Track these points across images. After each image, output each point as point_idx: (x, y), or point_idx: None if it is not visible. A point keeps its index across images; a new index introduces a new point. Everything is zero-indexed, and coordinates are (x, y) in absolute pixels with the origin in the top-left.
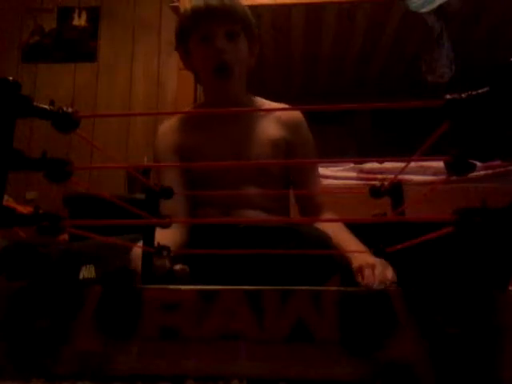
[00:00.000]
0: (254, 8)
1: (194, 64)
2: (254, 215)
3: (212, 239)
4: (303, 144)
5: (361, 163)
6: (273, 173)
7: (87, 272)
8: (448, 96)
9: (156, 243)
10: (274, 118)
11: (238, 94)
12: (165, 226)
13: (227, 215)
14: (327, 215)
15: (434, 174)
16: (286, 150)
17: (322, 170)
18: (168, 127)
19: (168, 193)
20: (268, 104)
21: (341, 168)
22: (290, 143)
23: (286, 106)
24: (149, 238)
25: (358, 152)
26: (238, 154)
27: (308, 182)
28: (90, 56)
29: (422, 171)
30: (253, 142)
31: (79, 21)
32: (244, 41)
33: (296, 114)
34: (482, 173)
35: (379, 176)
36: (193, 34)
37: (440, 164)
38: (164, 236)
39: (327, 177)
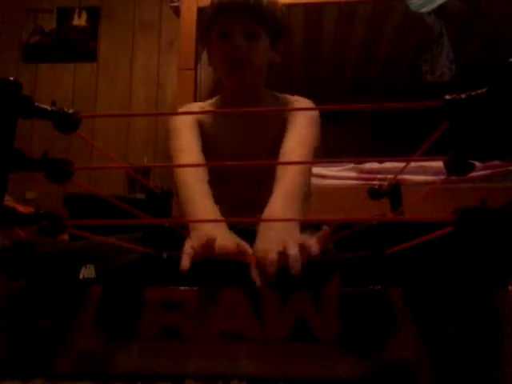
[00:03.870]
0: None
1: (213, 57)
2: (254, 214)
3: None
4: (297, 112)
5: (361, 163)
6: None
7: (87, 272)
8: (447, 96)
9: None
10: (285, 113)
11: (255, 89)
12: (165, 227)
13: (228, 214)
14: (290, 171)
15: (434, 174)
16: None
17: (322, 170)
18: (189, 107)
19: (168, 194)
20: (285, 98)
21: (341, 168)
22: (286, 121)
23: (307, 101)
24: (149, 238)
25: (357, 152)
26: (248, 148)
27: (292, 132)
28: (90, 56)
29: (422, 171)
30: (263, 139)
31: (79, 21)
32: (265, 39)
33: (304, 100)
34: (482, 173)
35: (379, 176)
36: (214, 28)
37: (440, 164)
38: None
39: (327, 177)
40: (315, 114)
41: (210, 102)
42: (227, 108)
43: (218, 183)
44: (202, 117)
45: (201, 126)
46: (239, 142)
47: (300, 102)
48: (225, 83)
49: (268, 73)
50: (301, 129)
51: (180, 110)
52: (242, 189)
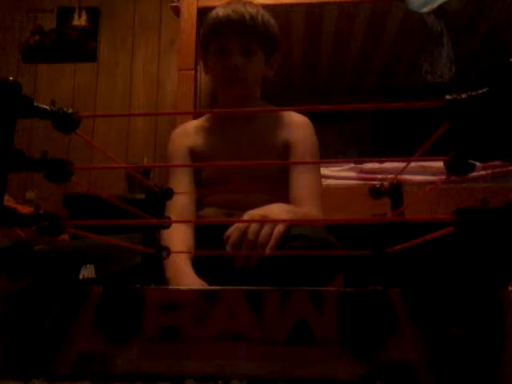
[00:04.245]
0: None
1: (210, 69)
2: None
3: (215, 242)
4: (299, 140)
5: (361, 163)
6: (276, 177)
7: (87, 272)
8: (448, 96)
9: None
10: (280, 124)
11: (250, 103)
12: (165, 227)
13: (229, 217)
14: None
15: (434, 174)
16: (286, 151)
17: (322, 170)
18: (181, 131)
19: (168, 194)
20: (281, 113)
21: (341, 168)
22: (287, 142)
23: (305, 119)
24: (149, 239)
25: (358, 152)
26: (243, 160)
27: (297, 178)
28: (90, 56)
29: (422, 171)
30: (259, 150)
31: (79, 21)
32: (260, 56)
33: (300, 117)
34: (482, 173)
35: (379, 176)
36: (211, 42)
37: (440, 164)
38: (181, 238)
39: (327, 177)
40: (309, 128)
41: (203, 118)
42: (222, 123)
43: (214, 189)
44: (193, 140)
45: (194, 152)
46: (234, 157)
47: (297, 119)
48: (219, 97)
49: (263, 87)
50: (306, 171)
51: (174, 132)
52: (238, 194)
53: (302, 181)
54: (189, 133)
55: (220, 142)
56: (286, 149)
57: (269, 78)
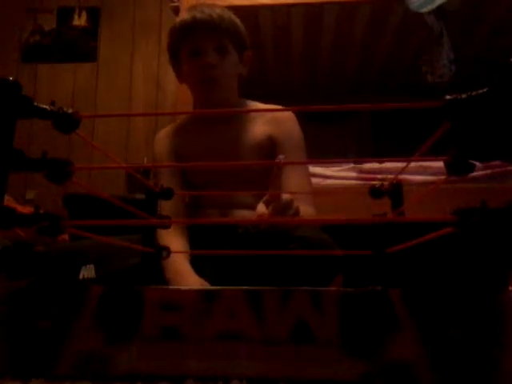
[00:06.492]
0: (254, 8)
1: (184, 75)
2: (251, 215)
3: (212, 242)
4: (285, 137)
5: (361, 163)
6: (267, 173)
7: (87, 272)
8: (448, 97)
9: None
10: (263, 119)
11: (228, 101)
12: (165, 227)
13: (224, 216)
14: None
15: (434, 174)
16: (271, 147)
17: (321, 170)
18: (164, 134)
19: (167, 193)
20: (261, 106)
21: (341, 168)
22: (273, 138)
23: (278, 106)
24: (148, 238)
25: (357, 152)
26: (229, 158)
27: (288, 176)
28: (90, 56)
29: (422, 171)
30: (242, 146)
31: (79, 21)
32: (233, 52)
33: (284, 112)
34: (482, 173)
35: (379, 176)
36: (182, 48)
37: (440, 164)
38: (176, 244)
39: (327, 177)
40: (293, 122)
41: (185, 119)
42: (205, 123)
43: (207, 191)
44: (177, 142)
45: (178, 154)
46: (219, 156)
47: (281, 114)
48: (197, 101)
49: (239, 84)
50: (297, 169)
51: (157, 135)
52: (231, 193)
53: (293, 178)
54: (172, 135)
55: (204, 141)
56: (271, 144)
57: (244, 76)
